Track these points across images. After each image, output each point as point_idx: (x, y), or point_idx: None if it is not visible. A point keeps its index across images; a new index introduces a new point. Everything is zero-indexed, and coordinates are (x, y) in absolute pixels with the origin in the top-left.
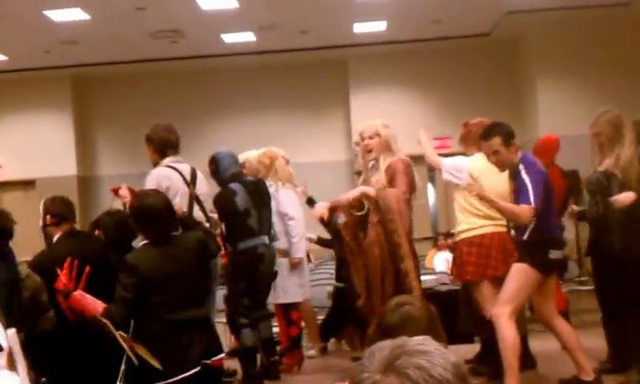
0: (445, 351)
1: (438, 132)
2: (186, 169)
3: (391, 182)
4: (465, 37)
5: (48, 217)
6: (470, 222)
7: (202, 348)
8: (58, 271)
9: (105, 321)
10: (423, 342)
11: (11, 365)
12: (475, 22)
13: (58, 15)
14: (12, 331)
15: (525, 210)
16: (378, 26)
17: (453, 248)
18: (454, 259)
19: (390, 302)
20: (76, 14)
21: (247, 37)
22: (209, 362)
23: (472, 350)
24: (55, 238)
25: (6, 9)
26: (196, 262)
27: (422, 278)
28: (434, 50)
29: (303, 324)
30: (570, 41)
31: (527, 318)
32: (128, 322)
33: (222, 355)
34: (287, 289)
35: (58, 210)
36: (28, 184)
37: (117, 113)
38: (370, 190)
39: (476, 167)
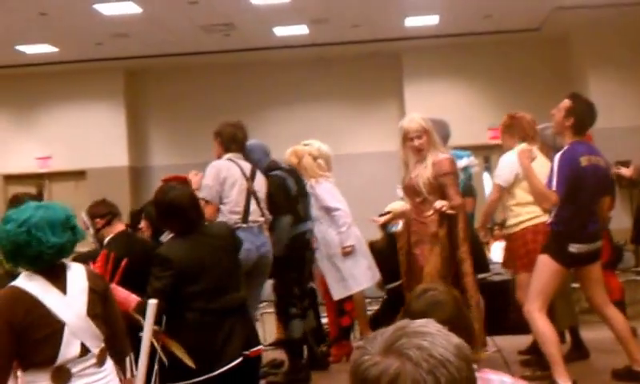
0: (447, 333)
1: (492, 123)
2: (246, 165)
3: (437, 178)
4: (515, 31)
5: (97, 220)
6: (531, 211)
7: (242, 339)
8: (92, 264)
9: (137, 317)
10: (425, 325)
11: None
12: (525, 16)
13: (108, 8)
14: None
15: (550, 194)
16: (430, 20)
17: (507, 238)
18: (514, 250)
19: (415, 289)
20: (127, 8)
21: (299, 30)
22: (248, 352)
23: (527, 340)
24: (106, 240)
25: (57, 2)
26: (230, 249)
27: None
28: (485, 44)
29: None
30: (620, 35)
31: (583, 309)
32: (161, 316)
33: (261, 346)
34: (356, 276)
35: (105, 210)
36: (79, 174)
37: (168, 104)
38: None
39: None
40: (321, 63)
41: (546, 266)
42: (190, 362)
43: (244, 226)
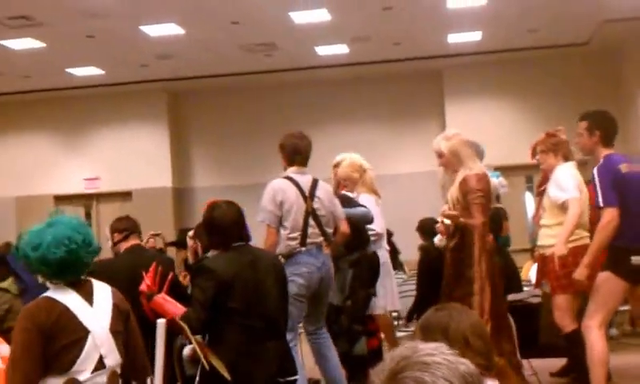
0: (455, 361)
1: (534, 142)
2: (306, 181)
3: (464, 196)
4: (562, 46)
5: (115, 235)
6: (574, 232)
7: (278, 364)
8: (144, 274)
9: (182, 324)
10: (433, 352)
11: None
12: (573, 30)
13: (153, 30)
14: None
15: (605, 215)
16: (473, 36)
17: (542, 258)
18: (551, 271)
19: (429, 309)
20: (171, 29)
21: (340, 49)
22: (282, 380)
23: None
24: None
25: (103, 25)
26: (273, 271)
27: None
28: (530, 59)
29: (382, 335)
30: None
31: (626, 332)
32: (205, 327)
33: (297, 377)
34: (379, 297)
35: (124, 226)
36: (125, 195)
37: (211, 125)
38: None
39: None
40: (362, 82)
41: (607, 282)
42: (226, 375)
43: (302, 249)
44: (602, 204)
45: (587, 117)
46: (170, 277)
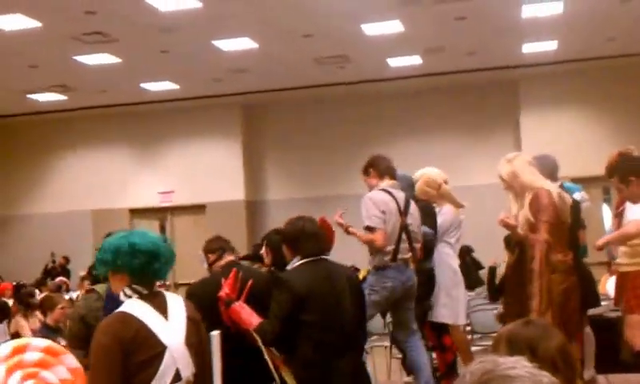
0: (538, 373)
1: (614, 152)
2: (401, 197)
3: (535, 215)
4: None
5: (209, 256)
6: None
7: (350, 379)
8: (223, 281)
9: (256, 336)
10: (515, 365)
11: None
12: None
13: (227, 45)
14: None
15: None
16: (549, 46)
17: (619, 275)
18: (626, 289)
19: (515, 322)
20: (245, 43)
21: (413, 60)
22: None
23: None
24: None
25: (177, 39)
26: (349, 285)
27: None
28: (608, 68)
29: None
30: None
31: None
32: (279, 340)
33: None
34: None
35: (217, 245)
36: (198, 208)
37: (284, 138)
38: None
39: None
40: (435, 93)
41: None
42: None
43: (392, 264)
44: None
45: (614, 171)
46: (249, 284)
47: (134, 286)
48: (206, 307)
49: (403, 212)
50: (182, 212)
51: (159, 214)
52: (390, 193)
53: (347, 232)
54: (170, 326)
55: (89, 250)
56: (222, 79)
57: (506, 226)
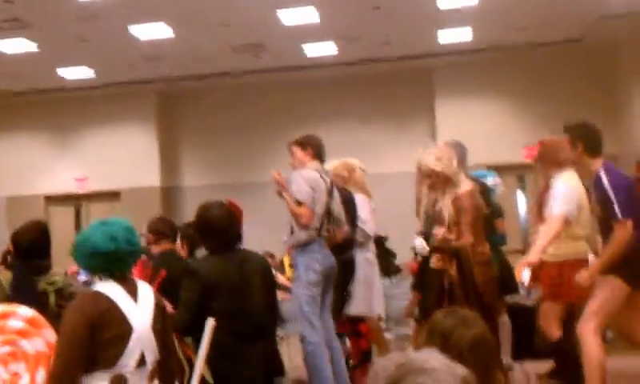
0: (453, 366)
1: (527, 141)
2: (327, 178)
3: (458, 215)
4: (554, 43)
5: (149, 236)
6: (579, 246)
7: (263, 365)
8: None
9: None
10: (428, 359)
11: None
12: (565, 27)
13: (143, 32)
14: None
15: (620, 232)
16: (463, 34)
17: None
18: (547, 277)
19: (437, 313)
20: (161, 31)
21: (329, 49)
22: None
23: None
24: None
25: (94, 26)
26: (260, 273)
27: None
28: (522, 57)
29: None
30: None
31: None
32: (190, 328)
33: (282, 379)
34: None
35: (156, 228)
36: (113, 195)
37: (200, 125)
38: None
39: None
40: (351, 82)
41: (609, 286)
42: (210, 379)
43: (317, 238)
44: (619, 216)
45: (567, 130)
46: (161, 274)
47: (107, 272)
48: None
49: (329, 194)
50: (97, 199)
51: (74, 201)
52: (319, 172)
53: (280, 194)
54: (139, 309)
55: (3, 238)
56: (137, 66)
57: (445, 241)
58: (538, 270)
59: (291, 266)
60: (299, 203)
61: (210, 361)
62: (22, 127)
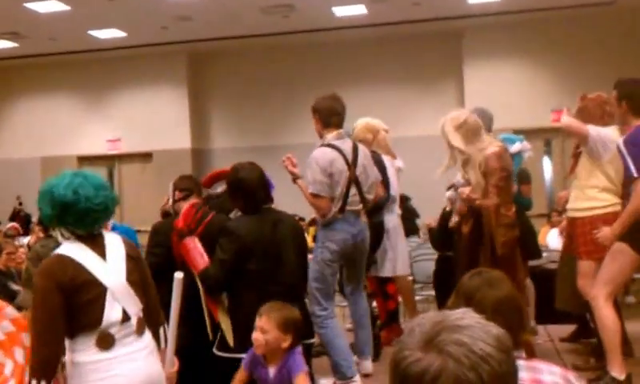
0: (486, 324)
1: (556, 104)
2: (347, 147)
3: (485, 176)
4: (586, 5)
5: (177, 192)
6: (607, 199)
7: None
8: (184, 210)
9: (197, 280)
10: (463, 316)
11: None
12: None
13: None
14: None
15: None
16: None
17: (571, 222)
18: (579, 236)
19: (469, 272)
20: None
21: (358, 10)
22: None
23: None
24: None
25: None
26: (293, 235)
27: None
28: (553, 20)
29: (400, 298)
30: None
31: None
32: (222, 287)
33: (313, 340)
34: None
35: (185, 186)
36: (145, 157)
37: (230, 87)
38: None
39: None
40: (380, 44)
41: (623, 254)
42: (230, 340)
43: (340, 216)
44: (635, 174)
45: (617, 85)
46: (207, 220)
47: (70, 227)
48: (170, 246)
49: (352, 163)
50: (129, 160)
51: (107, 161)
52: (335, 147)
53: (294, 181)
54: (109, 266)
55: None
56: (168, 27)
57: (469, 200)
58: (571, 227)
59: (314, 238)
60: (315, 195)
61: (243, 321)
62: (56, 89)
